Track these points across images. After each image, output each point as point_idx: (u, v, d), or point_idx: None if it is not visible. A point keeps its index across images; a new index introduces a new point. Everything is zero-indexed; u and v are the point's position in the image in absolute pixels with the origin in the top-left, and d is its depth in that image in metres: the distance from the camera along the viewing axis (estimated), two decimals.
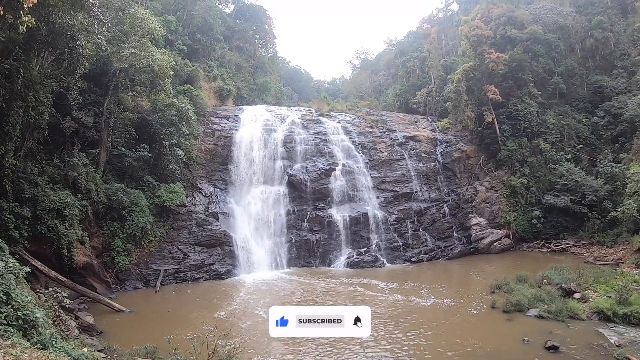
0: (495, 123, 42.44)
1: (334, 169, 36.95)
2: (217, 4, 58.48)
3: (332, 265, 32.61)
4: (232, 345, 13.05)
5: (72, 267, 22.40)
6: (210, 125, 37.70)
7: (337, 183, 36.32)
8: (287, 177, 35.72)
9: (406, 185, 39.34)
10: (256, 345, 16.45)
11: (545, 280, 24.07)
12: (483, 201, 40.29)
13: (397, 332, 17.89)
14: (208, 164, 35.75)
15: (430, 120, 48.02)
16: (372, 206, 36.69)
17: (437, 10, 72.87)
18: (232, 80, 50.09)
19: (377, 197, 37.71)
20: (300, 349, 15.80)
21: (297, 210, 34.57)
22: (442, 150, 42.93)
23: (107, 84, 28.27)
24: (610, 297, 20.08)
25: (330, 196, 35.76)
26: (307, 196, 35.25)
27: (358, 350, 15.67)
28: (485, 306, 21.33)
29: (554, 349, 15.29)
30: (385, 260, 33.69)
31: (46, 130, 22.44)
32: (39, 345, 9.76)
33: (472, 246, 37.59)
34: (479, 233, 38.03)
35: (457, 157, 42.59)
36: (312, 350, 15.68)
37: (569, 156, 41.39)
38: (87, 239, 24.01)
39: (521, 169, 40.82)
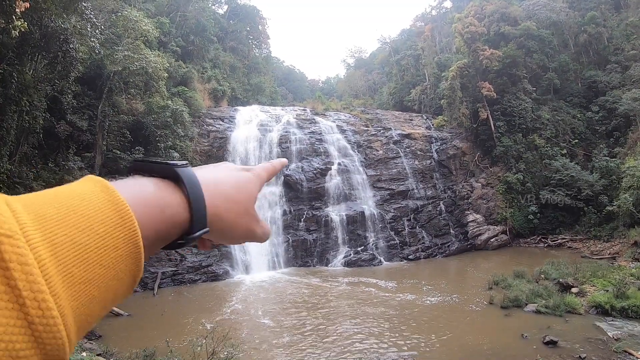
0: (490, 119, 42.52)
1: (330, 168, 36.87)
2: (210, 5, 58.29)
3: (329, 265, 32.59)
4: (232, 348, 13.03)
5: None
6: (205, 126, 37.57)
7: (333, 182, 36.25)
8: (282, 177, 35.59)
9: (402, 183, 39.33)
10: (256, 348, 16.43)
11: (542, 276, 24.13)
12: (479, 198, 40.34)
13: (401, 328, 17.95)
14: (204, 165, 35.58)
15: (425, 117, 48.00)
16: (368, 205, 36.66)
17: (431, 7, 72.87)
18: (227, 81, 50.03)
19: (374, 196, 37.68)
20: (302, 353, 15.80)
21: (294, 210, 34.48)
22: (437, 147, 42.91)
23: (101, 87, 28.21)
24: (607, 291, 20.15)
25: (326, 195, 35.71)
26: (303, 196, 35.17)
27: (361, 352, 15.69)
28: (484, 302, 21.37)
29: (552, 343, 15.34)
30: (382, 259, 33.71)
31: (41, 135, 22.41)
32: None
33: (469, 243, 37.65)
34: (475, 229, 38.10)
35: (452, 154, 42.61)
36: (315, 357, 15.66)
37: (564, 151, 41.49)
38: None
39: (517, 165, 40.89)
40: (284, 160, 1.14)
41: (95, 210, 0.64)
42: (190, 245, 0.82)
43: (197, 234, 0.79)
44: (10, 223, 0.54)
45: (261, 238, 0.97)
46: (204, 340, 12.28)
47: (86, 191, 0.66)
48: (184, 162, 0.82)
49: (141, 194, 0.73)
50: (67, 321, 0.56)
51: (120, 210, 0.66)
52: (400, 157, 40.90)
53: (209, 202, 0.81)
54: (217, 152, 36.10)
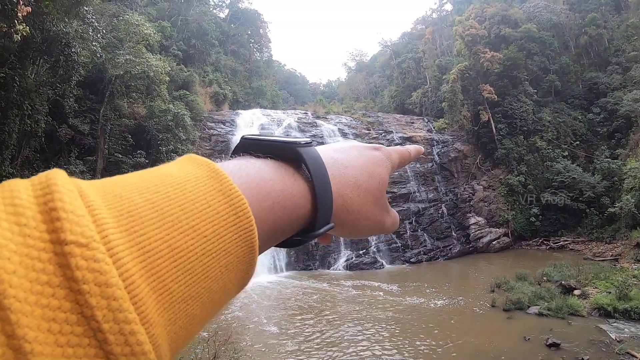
0: (492, 122, 42.49)
1: None
2: (211, 9, 58.48)
3: (331, 268, 32.56)
4: (234, 352, 13.01)
5: None
6: (207, 130, 37.62)
7: None
8: None
9: (404, 186, 39.31)
10: (259, 353, 16.40)
11: (544, 278, 24.09)
12: (481, 200, 40.30)
13: (408, 333, 17.93)
14: None
15: (426, 120, 47.92)
16: None
17: (431, 10, 72.88)
18: (228, 84, 50.06)
19: None
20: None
21: None
22: (438, 150, 42.88)
23: (103, 91, 28.27)
24: (610, 293, 20.10)
25: None
26: None
27: (367, 353, 15.67)
28: (487, 305, 21.32)
29: (555, 346, 15.30)
30: (384, 262, 33.66)
31: (42, 138, 22.45)
32: None
33: (471, 245, 37.60)
34: (477, 232, 38.05)
35: (454, 157, 42.59)
36: None
37: (566, 153, 41.45)
38: None
39: (518, 167, 40.85)
40: (421, 148, 0.97)
41: (202, 204, 0.47)
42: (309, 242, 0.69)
43: (321, 231, 0.65)
44: (84, 225, 0.36)
45: (390, 229, 0.84)
46: (206, 345, 12.27)
47: (188, 176, 0.49)
48: (307, 139, 0.67)
49: (258, 182, 0.57)
50: (161, 352, 0.40)
51: (234, 204, 0.50)
52: None
53: (336, 191, 0.66)
54: (218, 155, 35.35)
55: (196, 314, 0.45)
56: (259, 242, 0.53)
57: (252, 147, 0.66)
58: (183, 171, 0.50)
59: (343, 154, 0.74)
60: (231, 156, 0.66)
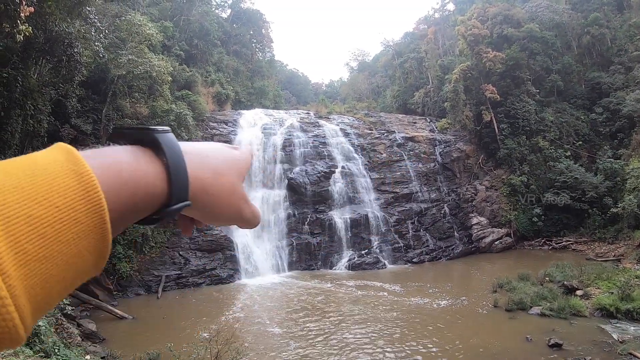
0: (494, 122, 42.41)
1: (334, 172, 36.76)
2: (213, 9, 58.52)
3: (333, 268, 32.51)
4: (236, 350, 13.01)
5: None
6: (209, 130, 37.58)
7: (337, 185, 36.17)
8: (286, 180, 35.58)
9: (406, 186, 39.26)
10: (261, 354, 16.40)
11: (547, 278, 24.07)
12: (483, 200, 40.23)
13: (412, 332, 17.92)
14: None
15: (428, 120, 47.95)
16: (372, 208, 36.58)
17: (434, 10, 72.93)
18: (230, 84, 50.04)
19: (377, 199, 37.61)
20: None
21: (298, 214, 34.40)
22: (441, 150, 42.84)
23: (106, 91, 28.31)
24: (612, 293, 20.08)
25: (330, 198, 35.62)
26: (307, 199, 35.09)
27: (369, 354, 15.66)
28: (489, 305, 21.30)
29: (557, 346, 15.30)
30: (386, 262, 33.60)
31: (45, 138, 22.44)
32: (41, 354, 9.77)
33: (473, 245, 37.55)
34: (479, 232, 38.00)
35: (456, 157, 42.52)
36: None
37: (568, 153, 41.35)
38: None
39: (521, 167, 40.77)
40: (253, 149, 1.12)
41: (55, 180, 0.58)
42: (170, 220, 0.77)
43: (175, 207, 0.73)
44: None
45: (250, 221, 0.90)
46: (209, 344, 12.28)
47: (49, 160, 0.61)
48: (166, 127, 0.77)
49: (112, 163, 0.68)
50: (19, 302, 0.51)
51: (84, 180, 0.60)
52: (404, 160, 40.83)
53: (193, 174, 0.76)
54: None
55: (53, 274, 0.56)
56: (112, 215, 0.62)
57: (119, 136, 0.76)
58: (47, 156, 0.61)
59: (206, 147, 0.85)
60: (106, 144, 0.75)
